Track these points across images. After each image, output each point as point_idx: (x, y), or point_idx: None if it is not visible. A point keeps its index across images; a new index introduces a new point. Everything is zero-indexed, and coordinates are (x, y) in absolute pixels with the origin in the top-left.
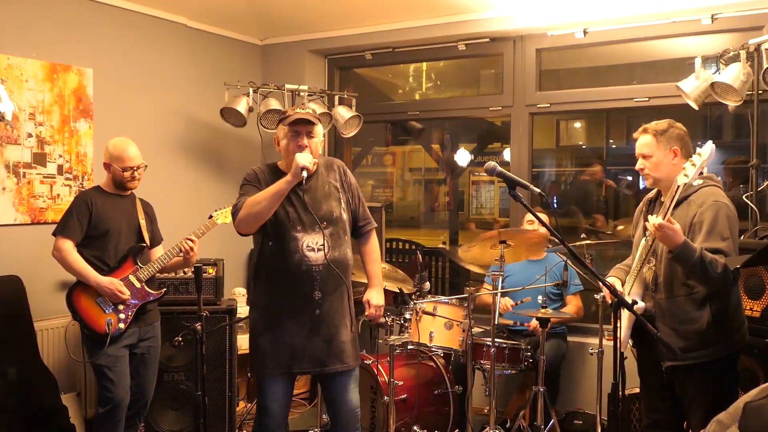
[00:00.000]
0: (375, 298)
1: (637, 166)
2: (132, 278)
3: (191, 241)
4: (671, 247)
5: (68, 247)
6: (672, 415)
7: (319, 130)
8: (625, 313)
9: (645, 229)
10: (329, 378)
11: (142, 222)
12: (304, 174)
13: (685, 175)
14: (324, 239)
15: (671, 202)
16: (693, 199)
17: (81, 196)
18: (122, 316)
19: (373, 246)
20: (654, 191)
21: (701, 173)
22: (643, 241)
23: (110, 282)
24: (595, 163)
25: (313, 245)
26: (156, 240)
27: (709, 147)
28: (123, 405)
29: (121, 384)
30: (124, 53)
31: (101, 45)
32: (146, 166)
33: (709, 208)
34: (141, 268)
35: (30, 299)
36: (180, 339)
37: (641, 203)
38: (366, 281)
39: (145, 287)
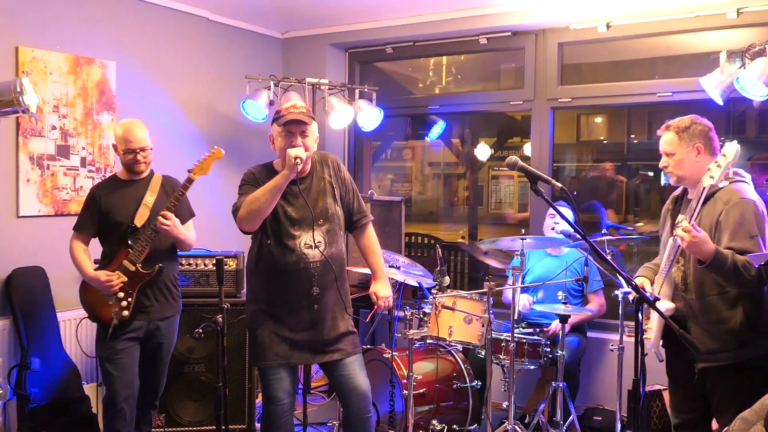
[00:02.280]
0: (382, 290)
1: (661, 164)
2: (126, 263)
3: (164, 217)
4: (703, 258)
5: (76, 242)
6: (701, 416)
7: (314, 129)
8: (654, 316)
9: (673, 228)
10: (332, 367)
11: (147, 199)
12: (299, 163)
13: (711, 177)
14: (321, 236)
15: (698, 203)
16: (719, 196)
17: (92, 189)
18: (123, 303)
19: (371, 238)
20: (680, 189)
21: (727, 173)
22: (671, 241)
23: (96, 276)
24: (606, 160)
25: (310, 242)
26: (183, 215)
27: (733, 147)
28: (121, 398)
29: (121, 377)
30: (147, 46)
31: (124, 38)
32: (151, 148)
33: (735, 206)
34: (132, 250)
35: (53, 290)
36: (200, 331)
37: (668, 201)
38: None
39: (140, 269)
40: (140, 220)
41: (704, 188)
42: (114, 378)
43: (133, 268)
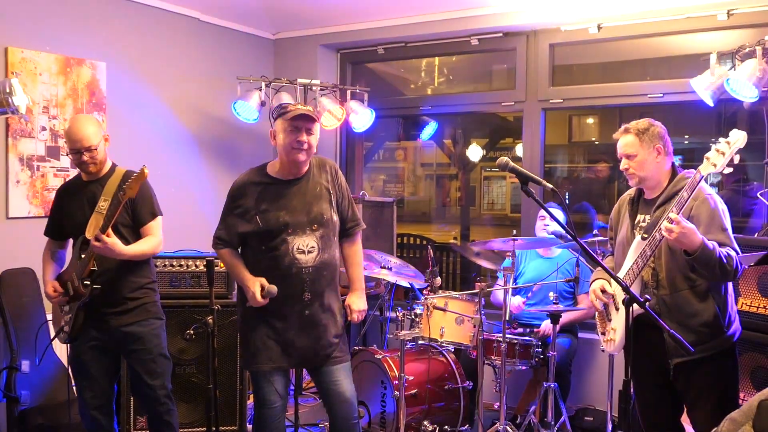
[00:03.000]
0: (356, 303)
1: (622, 167)
2: (73, 276)
3: (96, 241)
4: (691, 249)
5: (46, 248)
6: (671, 415)
7: (317, 129)
8: (619, 317)
9: (634, 228)
10: (321, 372)
11: (100, 206)
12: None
13: (713, 164)
14: (315, 241)
15: (690, 195)
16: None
17: (57, 191)
18: (67, 318)
19: (357, 248)
20: (634, 190)
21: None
22: (638, 239)
23: (45, 282)
24: (598, 161)
25: (303, 247)
26: (143, 216)
27: (739, 134)
28: (90, 407)
29: (90, 386)
30: (137, 47)
31: (114, 39)
32: (96, 147)
33: (704, 201)
34: (79, 264)
35: (43, 292)
36: (191, 332)
37: (618, 204)
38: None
39: (80, 287)
40: (92, 231)
41: (701, 177)
42: (81, 387)
43: (76, 284)
